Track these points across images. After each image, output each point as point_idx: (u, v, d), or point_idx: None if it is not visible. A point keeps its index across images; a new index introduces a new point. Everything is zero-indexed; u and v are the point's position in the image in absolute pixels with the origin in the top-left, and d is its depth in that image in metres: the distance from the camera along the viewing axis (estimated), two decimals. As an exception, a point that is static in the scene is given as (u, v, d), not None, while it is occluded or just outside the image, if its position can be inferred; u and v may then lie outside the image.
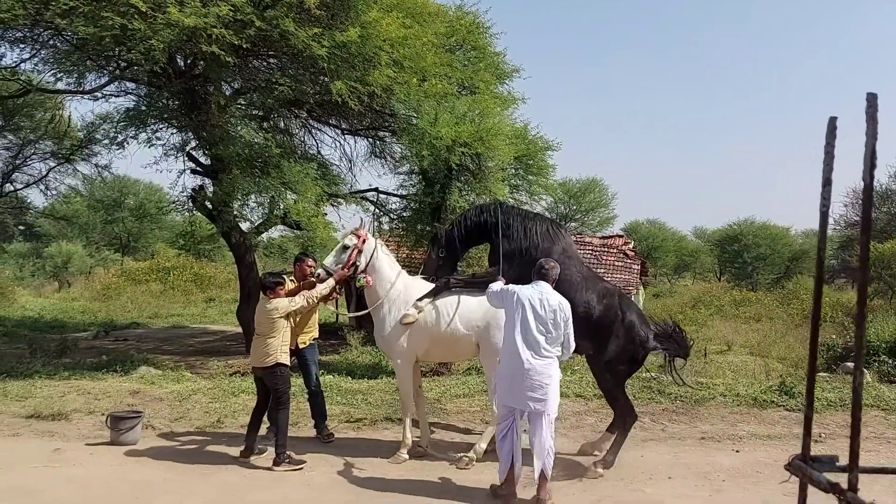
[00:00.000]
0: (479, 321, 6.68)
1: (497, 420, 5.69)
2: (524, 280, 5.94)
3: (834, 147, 0.96)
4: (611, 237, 20.16)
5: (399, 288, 6.88)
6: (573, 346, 5.72)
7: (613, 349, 6.55)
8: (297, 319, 7.15)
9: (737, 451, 7.18)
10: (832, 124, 0.99)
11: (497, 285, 5.95)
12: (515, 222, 6.93)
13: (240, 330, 16.63)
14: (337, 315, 19.82)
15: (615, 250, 18.31)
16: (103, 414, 7.80)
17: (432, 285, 6.98)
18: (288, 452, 6.46)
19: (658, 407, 9.03)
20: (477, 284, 6.81)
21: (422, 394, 7.38)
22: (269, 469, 6.34)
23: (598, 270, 16.32)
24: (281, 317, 6.47)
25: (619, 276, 17.01)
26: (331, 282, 6.72)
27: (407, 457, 6.69)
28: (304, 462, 6.45)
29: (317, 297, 6.68)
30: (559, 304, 5.59)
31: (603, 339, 6.57)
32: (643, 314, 7.05)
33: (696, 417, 8.56)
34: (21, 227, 33.90)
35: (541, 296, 5.56)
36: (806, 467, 0.89)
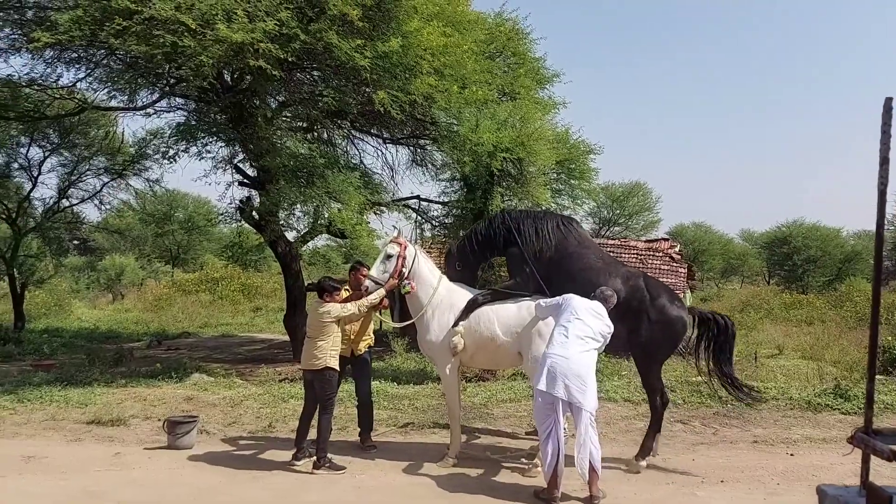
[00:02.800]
0: (518, 328, 6.69)
1: (539, 421, 5.72)
2: (544, 280, 6.49)
3: (890, 127, 0.98)
4: (656, 241, 19.85)
5: (441, 293, 6.96)
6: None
7: (648, 330, 6.60)
8: (354, 327, 7.25)
9: (791, 455, 7.04)
10: (888, 105, 1.01)
11: (549, 299, 6.31)
12: (525, 227, 7.00)
13: (286, 338, 16.91)
14: (381, 322, 20.02)
15: (661, 254, 18.04)
16: (160, 419, 8.04)
17: (471, 289, 7.07)
18: (329, 456, 6.57)
19: (709, 411, 8.92)
20: (507, 295, 6.90)
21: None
22: (310, 472, 6.44)
23: (644, 274, 16.17)
24: (332, 321, 6.58)
25: (665, 279, 16.71)
26: (381, 291, 6.82)
27: (455, 461, 6.73)
28: (345, 468, 6.53)
29: (367, 306, 6.78)
30: (608, 326, 6.01)
31: (634, 320, 6.63)
32: (675, 294, 6.99)
33: (748, 421, 8.42)
34: (76, 242, 35.00)
35: (595, 308, 5.99)
36: (869, 439, 0.92)
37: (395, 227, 7.72)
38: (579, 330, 5.72)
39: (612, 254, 16.65)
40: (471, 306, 6.78)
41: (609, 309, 6.10)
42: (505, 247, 7.08)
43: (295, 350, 14.72)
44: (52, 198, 20.02)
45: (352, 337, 7.30)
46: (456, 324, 6.74)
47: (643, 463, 6.55)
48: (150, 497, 5.61)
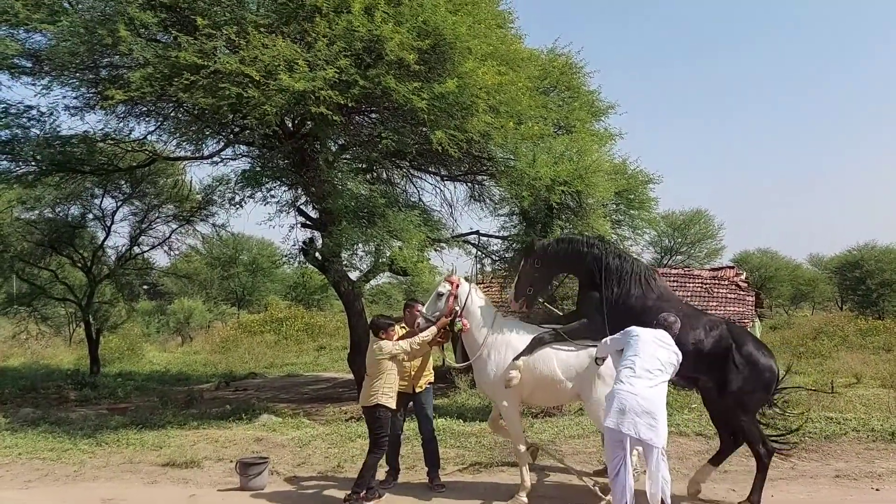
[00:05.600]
0: (578, 369, 6.66)
1: (608, 458, 5.62)
2: (615, 328, 6.20)
3: None
4: (721, 269, 19.40)
5: (496, 330, 6.96)
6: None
7: (737, 380, 6.38)
8: (414, 364, 7.30)
9: (877, 490, 6.71)
10: None
11: (609, 338, 6.16)
12: (614, 265, 6.86)
13: (351, 377, 17.03)
14: (444, 359, 20.02)
15: (727, 282, 17.59)
16: (232, 461, 8.19)
17: (527, 326, 7.04)
18: (360, 494, 6.57)
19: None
20: (571, 337, 6.81)
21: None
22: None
23: (710, 303, 15.76)
24: (384, 358, 6.62)
25: (732, 308, 16.29)
26: (433, 329, 6.86)
27: (525, 500, 6.63)
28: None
29: (419, 343, 6.81)
30: (676, 353, 5.85)
31: (721, 370, 6.43)
32: (760, 341, 6.82)
33: (827, 454, 8.07)
34: (145, 287, 36.31)
35: (660, 338, 5.84)
36: None
37: (450, 267, 7.79)
38: (647, 363, 5.60)
39: (676, 283, 16.40)
40: (535, 344, 6.73)
41: (674, 335, 5.96)
42: (585, 277, 6.98)
43: (359, 388, 14.77)
44: (124, 245, 20.84)
45: (411, 373, 7.34)
46: (517, 358, 6.69)
47: None
48: (226, 538, 5.70)
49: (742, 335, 6.70)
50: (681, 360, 5.84)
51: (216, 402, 14.31)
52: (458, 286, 7.04)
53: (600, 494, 6.66)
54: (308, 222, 14.49)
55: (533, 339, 6.75)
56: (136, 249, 21.30)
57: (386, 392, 6.66)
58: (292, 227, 14.06)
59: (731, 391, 6.41)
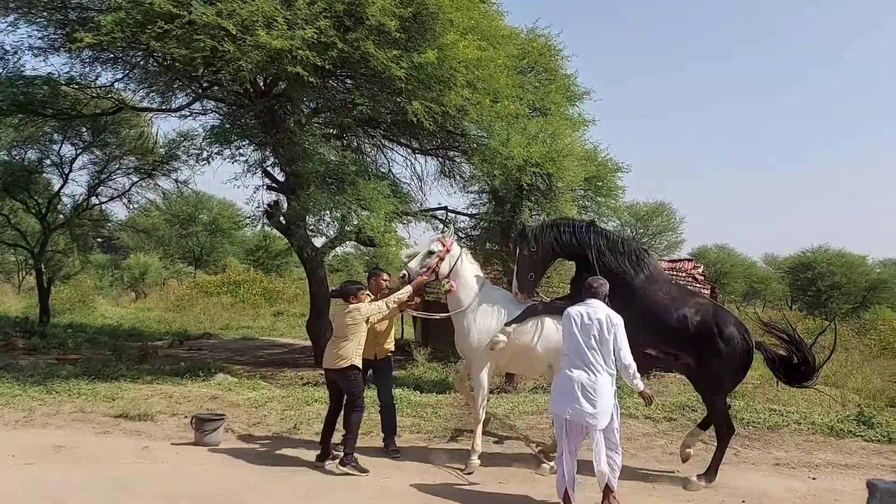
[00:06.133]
0: (555, 343, 6.76)
1: (557, 439, 5.80)
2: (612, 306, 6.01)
3: None
4: (679, 261, 19.80)
5: (484, 297, 7.06)
6: (629, 362, 5.67)
7: (717, 360, 6.62)
8: (380, 328, 7.34)
9: (813, 479, 7.00)
10: None
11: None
12: (608, 248, 6.96)
13: (308, 343, 17.03)
14: (402, 332, 20.13)
15: (684, 274, 17.97)
16: (186, 416, 8.15)
17: (509, 293, 7.15)
18: (355, 456, 6.64)
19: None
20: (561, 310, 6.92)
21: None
22: (342, 473, 6.51)
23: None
24: (361, 320, 6.65)
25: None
26: (408, 288, 6.93)
27: (479, 462, 6.80)
28: (368, 472, 6.59)
29: (395, 302, 6.88)
30: (606, 316, 5.67)
31: (704, 350, 6.66)
32: (742, 323, 7.03)
33: (769, 444, 8.36)
34: (100, 240, 35.56)
35: (587, 310, 5.72)
36: None
37: (447, 227, 7.82)
38: (582, 355, 5.61)
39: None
40: (528, 313, 6.84)
41: (603, 298, 5.86)
42: (580, 259, 7.06)
43: (317, 355, 14.80)
44: (81, 195, 20.31)
45: (376, 338, 7.38)
46: (509, 324, 6.81)
47: (703, 483, 6.57)
48: (179, 490, 5.70)
49: (726, 317, 6.92)
50: (620, 323, 5.72)
51: (169, 360, 14.14)
52: (448, 249, 7.10)
53: (543, 460, 6.91)
54: (274, 185, 14.35)
55: (526, 309, 6.86)
56: (94, 200, 20.76)
57: (357, 353, 6.70)
58: (257, 189, 13.95)
59: (710, 369, 6.66)
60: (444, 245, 7.12)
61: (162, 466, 6.41)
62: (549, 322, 6.91)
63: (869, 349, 19.55)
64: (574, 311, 5.77)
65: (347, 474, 6.51)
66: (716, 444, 6.89)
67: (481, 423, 6.99)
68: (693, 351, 6.70)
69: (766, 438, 8.60)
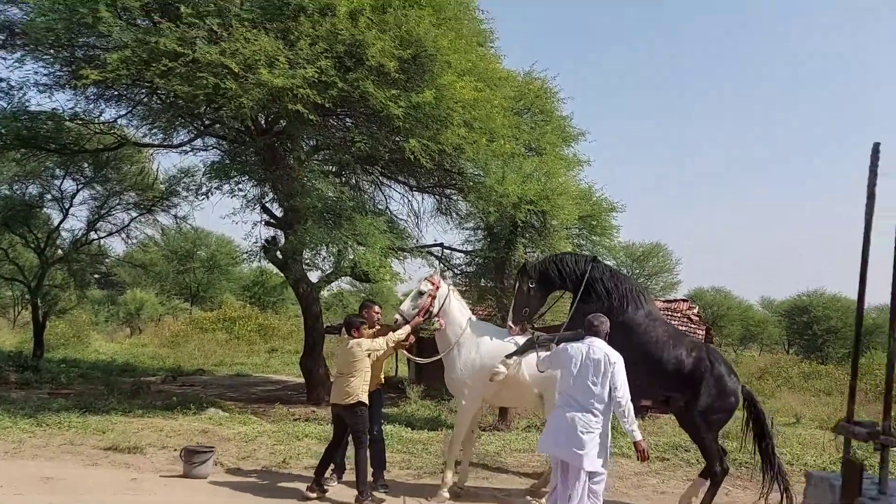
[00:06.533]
0: (543, 375, 6.77)
1: (552, 473, 5.81)
2: (610, 343, 5.96)
3: (877, 167, 1.09)
4: (675, 301, 19.82)
5: (469, 333, 7.15)
6: (627, 405, 5.56)
7: (706, 399, 6.67)
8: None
9: (806, 520, 6.93)
10: (876, 149, 1.13)
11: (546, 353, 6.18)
12: (607, 283, 7.04)
13: (301, 380, 16.92)
14: (396, 369, 20.04)
15: (679, 314, 17.99)
16: (176, 449, 8.10)
17: (495, 328, 7.22)
18: (368, 490, 6.64)
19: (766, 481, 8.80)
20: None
21: (473, 438, 7.65)
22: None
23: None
24: (363, 356, 6.69)
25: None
26: (407, 328, 7.01)
27: (447, 496, 6.85)
28: (385, 500, 6.65)
29: (394, 340, 6.94)
30: (605, 356, 5.59)
31: (694, 390, 6.71)
32: (731, 367, 7.11)
33: (758, 485, 8.30)
34: (97, 276, 35.64)
35: (588, 349, 5.64)
36: (849, 426, 1.05)
37: (434, 267, 7.94)
38: (578, 395, 5.55)
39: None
40: (527, 346, 6.86)
41: (605, 336, 5.81)
42: (579, 293, 7.07)
43: (309, 392, 14.74)
44: (80, 230, 20.39)
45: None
46: (510, 356, 6.83)
47: None
48: (165, 522, 5.65)
49: (718, 358, 7.00)
50: (620, 362, 5.66)
51: (162, 396, 14.08)
52: (438, 287, 7.20)
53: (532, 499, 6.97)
54: (272, 220, 14.46)
55: (526, 341, 6.89)
56: (93, 235, 20.85)
57: (363, 389, 6.75)
58: (256, 224, 14.02)
59: (699, 409, 6.69)
60: (433, 284, 7.22)
61: (149, 498, 6.37)
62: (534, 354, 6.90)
63: (864, 394, 19.44)
64: (573, 349, 5.70)
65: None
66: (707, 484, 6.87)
67: (454, 456, 7.06)
68: (687, 391, 6.74)
69: (757, 479, 8.50)
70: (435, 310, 7.13)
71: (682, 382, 6.71)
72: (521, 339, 7.01)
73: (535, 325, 7.59)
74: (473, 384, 6.98)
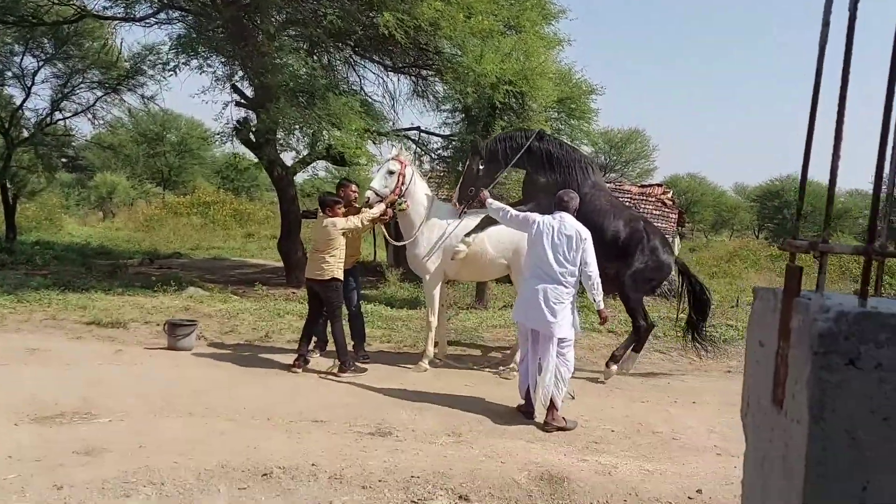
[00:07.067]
0: (509, 245, 7.21)
1: (520, 345, 6.09)
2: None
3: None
4: (650, 186, 20.05)
5: (431, 211, 7.36)
6: (596, 279, 5.81)
7: (638, 266, 7.16)
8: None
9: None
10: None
11: (513, 211, 6.18)
12: (555, 154, 7.29)
13: (279, 264, 17.07)
14: (375, 252, 20.27)
15: (653, 199, 18.25)
16: (158, 324, 8.28)
17: (451, 207, 7.39)
18: (350, 360, 6.93)
19: (688, 344, 9.25)
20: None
21: (444, 312, 7.97)
22: (327, 376, 6.76)
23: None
24: (338, 234, 6.79)
25: (656, 224, 17.01)
26: (382, 206, 7.06)
27: (427, 367, 7.22)
28: (367, 369, 6.96)
29: (369, 218, 7.02)
30: (577, 232, 5.76)
31: (628, 258, 7.16)
32: (666, 240, 7.59)
33: (723, 354, 8.76)
34: (64, 160, 34.83)
35: (559, 224, 5.78)
36: (793, 241, 1.13)
37: (394, 146, 7.93)
38: (548, 268, 5.73)
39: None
40: (485, 223, 7.04)
41: (574, 211, 5.95)
42: (531, 166, 7.37)
43: (288, 274, 14.91)
44: (44, 109, 19.74)
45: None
46: (468, 235, 7.07)
47: (613, 368, 7.22)
48: (152, 388, 5.86)
49: (654, 232, 7.47)
50: (589, 238, 5.85)
51: (140, 277, 14.19)
52: (405, 166, 7.24)
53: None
54: (243, 101, 14.07)
55: (483, 218, 7.05)
56: (58, 115, 20.21)
57: (339, 266, 6.90)
58: (226, 105, 13.66)
59: (629, 271, 7.19)
60: (401, 163, 7.26)
61: (135, 368, 6.57)
62: (498, 227, 7.08)
63: (829, 276, 20.17)
64: (545, 223, 5.80)
65: (347, 381, 6.75)
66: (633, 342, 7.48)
67: (433, 330, 7.34)
68: (620, 261, 7.17)
69: (720, 350, 8.99)
70: (404, 189, 7.22)
71: (617, 252, 7.10)
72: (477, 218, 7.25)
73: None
74: (434, 262, 7.24)
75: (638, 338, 7.42)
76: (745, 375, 1.18)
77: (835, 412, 0.85)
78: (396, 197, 7.17)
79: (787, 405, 0.93)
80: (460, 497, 3.94)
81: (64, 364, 6.44)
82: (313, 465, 4.24)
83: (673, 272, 7.70)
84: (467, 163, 7.63)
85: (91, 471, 3.94)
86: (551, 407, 5.66)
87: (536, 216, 5.95)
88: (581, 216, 6.73)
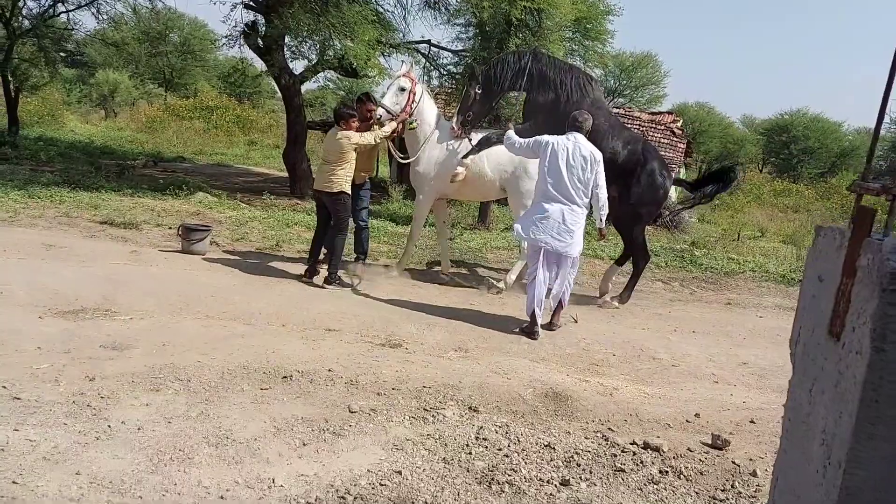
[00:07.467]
0: (507, 166, 7.29)
1: (529, 262, 6.23)
2: (556, 130, 6.27)
3: None
4: (659, 114, 19.81)
5: (437, 130, 7.42)
6: (605, 200, 6.07)
7: (636, 191, 7.18)
8: (361, 157, 7.47)
9: (760, 317, 7.59)
10: None
11: (519, 138, 6.28)
12: (551, 73, 7.27)
13: (283, 174, 17.03)
14: (377, 170, 20.20)
15: (662, 127, 18.10)
16: (171, 227, 8.38)
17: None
18: (339, 275, 7.02)
19: (689, 275, 9.43)
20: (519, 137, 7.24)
21: (446, 229, 8.13)
22: (321, 287, 6.90)
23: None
24: (350, 149, 6.80)
25: (663, 152, 16.87)
26: (393, 124, 7.08)
27: (397, 273, 7.53)
28: (351, 286, 7.03)
29: (381, 136, 7.01)
30: (591, 153, 5.94)
31: (626, 182, 7.17)
32: (665, 162, 7.58)
33: (724, 287, 8.96)
34: (63, 54, 34.01)
35: (574, 146, 5.92)
36: (863, 183, 1.20)
37: (403, 62, 7.85)
38: (562, 189, 5.88)
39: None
40: (483, 143, 7.09)
41: (587, 133, 6.10)
42: (528, 87, 7.33)
43: (293, 185, 14.91)
44: (47, 0, 19.17)
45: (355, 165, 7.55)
46: (466, 156, 7.15)
47: (615, 304, 7.35)
48: (169, 289, 6.00)
49: (652, 154, 7.43)
50: (601, 160, 6.04)
51: (145, 179, 14.19)
52: (416, 83, 7.21)
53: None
54: (252, 3, 13.70)
55: (481, 139, 7.13)
56: (61, 7, 19.63)
57: (347, 180, 6.94)
58: (234, 6, 13.32)
59: (629, 201, 7.23)
60: (412, 80, 7.25)
61: (152, 269, 6.69)
62: (496, 148, 7.18)
63: (830, 212, 20.28)
64: (560, 144, 5.91)
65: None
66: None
67: (414, 242, 7.74)
68: (618, 181, 7.12)
69: (721, 283, 9.19)
70: (414, 106, 7.23)
71: (615, 173, 6.98)
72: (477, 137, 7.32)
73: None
74: (433, 181, 7.34)
75: (637, 272, 7.56)
76: (798, 307, 1.27)
77: (895, 344, 0.94)
78: (407, 115, 7.17)
79: (846, 337, 1.02)
80: (469, 408, 4.12)
81: (81, 261, 6.56)
82: (329, 370, 4.41)
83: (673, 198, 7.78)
84: (464, 88, 7.65)
85: (119, 364, 4.11)
86: (559, 307, 6.11)
87: (549, 138, 6.04)
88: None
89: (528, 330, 6.07)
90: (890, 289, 0.93)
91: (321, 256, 7.35)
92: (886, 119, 24.14)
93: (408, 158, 7.63)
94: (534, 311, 5.98)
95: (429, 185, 7.37)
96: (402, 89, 7.18)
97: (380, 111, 7.17)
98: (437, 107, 7.87)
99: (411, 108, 7.19)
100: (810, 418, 1.12)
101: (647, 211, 7.41)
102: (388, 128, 7.09)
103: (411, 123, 7.24)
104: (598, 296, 7.52)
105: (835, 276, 1.10)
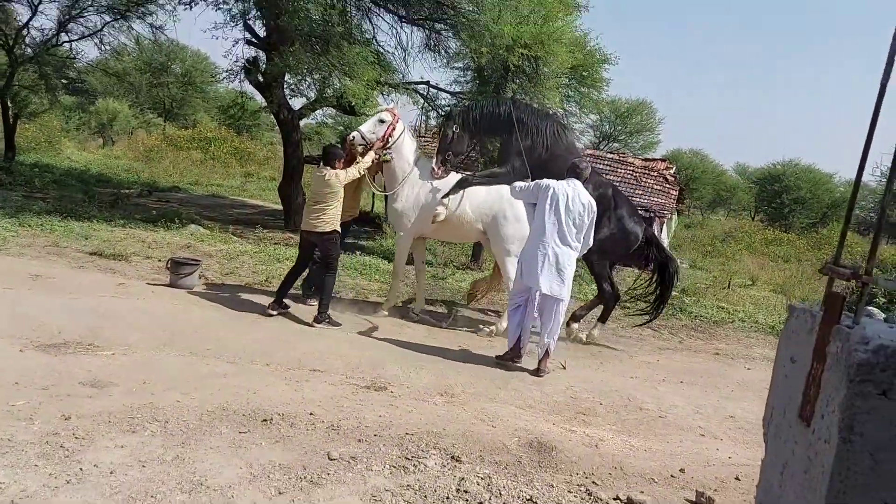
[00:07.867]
0: (488, 210, 7.38)
1: (511, 295, 6.27)
2: (535, 175, 6.68)
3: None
4: (653, 160, 19.95)
5: (416, 170, 7.49)
6: (590, 243, 6.34)
7: (604, 233, 7.34)
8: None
9: (748, 369, 7.56)
10: None
11: (524, 182, 6.52)
12: (529, 120, 7.49)
13: (277, 207, 17.06)
14: (373, 205, 20.28)
15: (655, 173, 18.21)
16: (160, 260, 8.34)
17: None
18: (329, 314, 6.99)
19: (678, 323, 9.42)
20: (495, 181, 7.45)
21: (424, 268, 8.25)
22: (310, 325, 6.86)
23: (637, 191, 16.39)
24: (341, 187, 6.84)
25: (656, 199, 16.96)
26: (371, 153, 7.22)
27: (387, 313, 7.56)
28: (341, 325, 6.99)
29: (365, 167, 7.11)
30: (589, 203, 6.20)
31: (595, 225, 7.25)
32: (635, 209, 7.87)
33: (713, 336, 8.94)
34: (64, 81, 34.25)
35: (573, 192, 6.15)
36: (835, 266, 1.20)
37: (392, 100, 8.05)
38: (559, 231, 6.06)
39: (608, 167, 16.91)
40: (462, 184, 7.23)
41: (585, 181, 6.36)
42: (505, 132, 7.54)
43: (287, 218, 14.94)
44: (51, 30, 19.39)
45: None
46: (445, 196, 7.29)
47: (574, 327, 7.65)
48: (155, 325, 5.95)
49: (621, 201, 7.71)
50: (596, 210, 6.30)
51: (139, 209, 14.17)
52: (398, 119, 7.46)
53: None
54: (254, 40, 13.89)
55: (459, 180, 7.26)
56: (64, 37, 19.85)
57: (338, 219, 7.00)
58: (237, 42, 13.49)
59: (597, 239, 7.20)
60: (394, 115, 7.41)
61: (139, 302, 6.64)
62: (474, 189, 7.35)
63: (821, 263, 20.36)
64: (561, 189, 6.13)
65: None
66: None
67: (399, 279, 7.77)
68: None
69: (710, 332, 9.18)
70: (390, 142, 7.35)
71: None
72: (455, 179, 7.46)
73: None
74: (412, 220, 7.40)
75: (601, 303, 7.77)
76: (771, 385, 1.26)
77: (862, 436, 0.93)
78: (381, 144, 7.30)
79: (816, 423, 1.01)
80: (452, 457, 4.06)
81: (67, 293, 6.51)
82: (311, 413, 4.35)
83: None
84: (442, 129, 7.82)
85: (98, 403, 4.05)
86: (545, 355, 6.13)
87: (550, 182, 6.23)
88: (551, 177, 6.96)
89: (510, 356, 6.15)
90: (857, 379, 0.92)
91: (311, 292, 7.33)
92: (877, 172, 24.41)
93: (384, 191, 7.71)
94: (518, 341, 6.08)
95: (408, 223, 7.45)
96: (382, 121, 7.40)
97: (354, 134, 7.35)
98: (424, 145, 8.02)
99: (387, 141, 7.33)
100: (780, 501, 1.10)
101: (613, 251, 7.67)
102: (368, 158, 7.20)
103: (385, 155, 7.39)
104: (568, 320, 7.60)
105: (806, 358, 1.09)
